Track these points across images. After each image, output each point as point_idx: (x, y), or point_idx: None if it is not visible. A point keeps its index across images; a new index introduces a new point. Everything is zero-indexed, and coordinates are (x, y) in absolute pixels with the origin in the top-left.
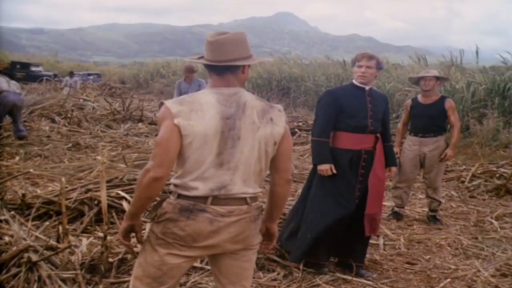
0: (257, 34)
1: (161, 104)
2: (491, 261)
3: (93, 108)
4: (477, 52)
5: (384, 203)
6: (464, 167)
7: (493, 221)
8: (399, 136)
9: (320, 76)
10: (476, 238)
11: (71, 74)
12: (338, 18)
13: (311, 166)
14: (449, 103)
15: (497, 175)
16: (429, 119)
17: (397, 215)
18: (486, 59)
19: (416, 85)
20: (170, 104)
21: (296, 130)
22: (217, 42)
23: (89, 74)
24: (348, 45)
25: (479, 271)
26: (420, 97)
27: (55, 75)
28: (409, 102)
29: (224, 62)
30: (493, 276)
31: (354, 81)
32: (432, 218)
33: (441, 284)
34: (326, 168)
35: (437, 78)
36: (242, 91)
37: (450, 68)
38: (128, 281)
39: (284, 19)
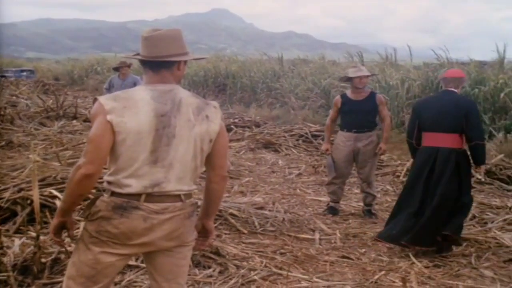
0: (193, 30)
1: (95, 100)
2: (425, 253)
3: (27, 105)
4: (410, 50)
5: (320, 198)
6: (399, 162)
7: None
8: (328, 133)
9: (256, 73)
10: None
11: None
12: (272, 15)
13: (247, 163)
14: (379, 99)
15: None
16: (362, 115)
17: (332, 210)
18: (421, 56)
19: (346, 82)
20: (104, 100)
21: (232, 126)
22: (152, 38)
23: (22, 71)
24: (284, 42)
25: (413, 263)
26: (350, 94)
27: None
28: (338, 98)
29: (159, 58)
30: (426, 267)
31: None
32: (368, 212)
33: (376, 277)
34: None
35: (368, 76)
36: (177, 88)
37: (385, 65)
38: (62, 281)
39: (220, 16)
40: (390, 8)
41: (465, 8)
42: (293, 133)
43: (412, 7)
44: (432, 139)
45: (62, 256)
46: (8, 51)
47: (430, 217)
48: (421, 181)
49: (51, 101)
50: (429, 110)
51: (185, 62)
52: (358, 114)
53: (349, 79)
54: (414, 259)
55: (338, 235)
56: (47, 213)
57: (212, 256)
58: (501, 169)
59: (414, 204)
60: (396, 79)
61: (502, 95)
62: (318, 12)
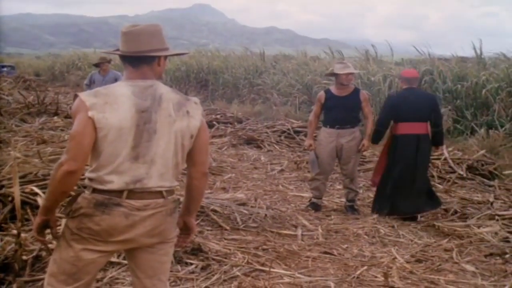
0: (175, 26)
1: (76, 96)
2: (407, 248)
3: (7, 101)
4: (390, 46)
5: (302, 194)
6: None
7: None
8: (311, 129)
9: (238, 69)
10: (393, 226)
11: None
12: (254, 10)
13: (229, 159)
14: (363, 95)
15: None
16: (345, 111)
17: (315, 206)
18: (400, 52)
19: (330, 78)
20: (85, 96)
21: (214, 122)
22: (132, 33)
23: (2, 66)
24: (266, 37)
25: (395, 258)
26: (334, 89)
27: None
28: (322, 94)
29: (138, 53)
30: (408, 262)
31: None
32: (350, 208)
33: (358, 272)
34: None
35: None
36: (158, 83)
37: (368, 61)
38: (43, 279)
39: (202, 11)
40: (368, 4)
41: (443, 5)
42: (275, 129)
43: (390, 3)
44: (410, 128)
45: (44, 253)
46: None
47: (420, 188)
48: (406, 161)
49: (32, 97)
50: (406, 104)
51: (165, 57)
52: (342, 110)
53: (335, 75)
54: (396, 254)
55: (320, 231)
56: (28, 210)
57: (194, 252)
58: (482, 165)
59: (402, 181)
60: (379, 76)
61: (484, 91)
62: (297, 7)
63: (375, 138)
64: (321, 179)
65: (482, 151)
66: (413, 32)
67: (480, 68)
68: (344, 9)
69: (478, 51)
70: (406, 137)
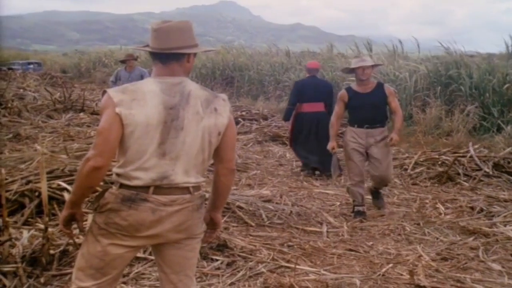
0: (200, 22)
1: (104, 92)
2: (433, 246)
3: (34, 98)
4: (417, 43)
5: (327, 191)
6: (407, 155)
7: (438, 206)
8: (334, 130)
9: (264, 65)
10: (418, 224)
11: None
12: (278, 6)
13: (254, 156)
14: (388, 89)
15: (439, 162)
16: (372, 109)
17: (360, 214)
18: (425, 49)
19: (350, 74)
20: (113, 92)
21: (239, 119)
22: (162, 30)
23: (29, 63)
24: (292, 34)
25: (420, 256)
26: (356, 87)
27: None
28: (344, 93)
29: (169, 50)
30: (434, 260)
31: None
32: (375, 193)
33: (383, 269)
34: None
35: (372, 66)
36: (186, 80)
37: (394, 57)
38: (70, 273)
39: (227, 8)
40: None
41: (467, 0)
42: None
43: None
44: (311, 107)
45: (71, 248)
46: (14, 43)
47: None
48: (308, 128)
49: (58, 93)
50: (309, 88)
51: (195, 54)
52: (369, 108)
53: (351, 71)
54: (421, 252)
55: (346, 228)
56: (55, 205)
57: (220, 248)
58: (509, 162)
59: (307, 142)
60: (405, 71)
61: (505, 86)
62: (320, 3)
63: (287, 116)
64: (357, 183)
65: (509, 149)
66: (437, 28)
67: (508, 65)
68: (366, 5)
69: (510, 48)
70: (307, 114)
